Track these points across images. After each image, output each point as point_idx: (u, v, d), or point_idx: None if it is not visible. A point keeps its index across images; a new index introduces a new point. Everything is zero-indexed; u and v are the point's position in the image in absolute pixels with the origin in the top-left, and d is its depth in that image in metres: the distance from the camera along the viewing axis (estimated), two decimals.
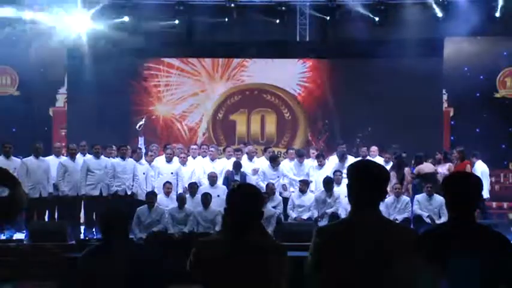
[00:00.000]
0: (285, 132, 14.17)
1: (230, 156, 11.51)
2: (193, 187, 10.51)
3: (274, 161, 11.27)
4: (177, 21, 13.54)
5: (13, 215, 2.75)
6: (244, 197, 2.93)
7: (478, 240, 2.82)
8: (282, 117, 14.19)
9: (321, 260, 2.68)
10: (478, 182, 3.00)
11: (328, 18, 13.59)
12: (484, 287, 2.77)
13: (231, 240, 2.85)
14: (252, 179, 10.90)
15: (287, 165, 11.44)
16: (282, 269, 2.88)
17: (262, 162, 11.53)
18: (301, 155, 11.47)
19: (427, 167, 10.84)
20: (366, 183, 2.70)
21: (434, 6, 13.18)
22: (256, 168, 11.19)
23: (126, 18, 13.17)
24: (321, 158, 11.48)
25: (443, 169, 10.82)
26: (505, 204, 13.33)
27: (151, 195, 10.05)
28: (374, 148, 11.60)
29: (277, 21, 13.57)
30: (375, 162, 2.95)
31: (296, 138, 14.16)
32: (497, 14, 12.88)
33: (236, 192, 3.00)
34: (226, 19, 13.48)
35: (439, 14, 13.16)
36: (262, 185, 10.62)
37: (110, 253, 3.43)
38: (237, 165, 11.02)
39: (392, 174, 10.56)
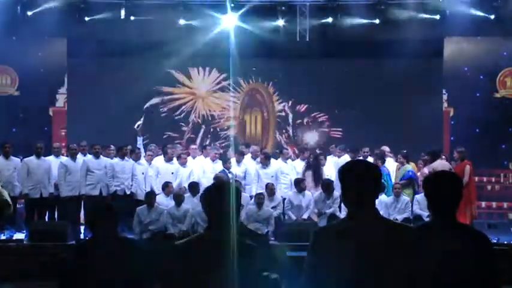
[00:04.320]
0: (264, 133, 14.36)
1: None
2: (194, 187, 10.50)
3: (265, 160, 11.25)
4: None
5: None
6: (218, 195, 2.86)
7: (459, 240, 2.83)
8: (263, 118, 14.36)
9: (319, 261, 2.67)
10: (458, 181, 3.01)
11: (328, 18, 13.59)
12: (465, 286, 2.79)
13: (207, 239, 2.81)
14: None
15: (284, 164, 11.45)
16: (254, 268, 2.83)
17: (249, 163, 11.51)
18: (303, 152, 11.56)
19: (441, 165, 10.38)
20: (360, 182, 2.70)
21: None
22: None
23: None
24: (321, 156, 11.52)
25: (427, 171, 10.72)
26: (505, 204, 13.32)
27: (151, 195, 10.05)
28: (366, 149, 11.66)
29: (278, 21, 13.57)
30: (366, 161, 2.96)
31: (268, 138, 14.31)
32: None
33: (210, 190, 2.93)
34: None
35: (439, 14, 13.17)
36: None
37: (97, 248, 3.41)
38: (228, 162, 11.07)
39: (308, 174, 10.91)
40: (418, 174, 11.14)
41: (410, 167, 11.13)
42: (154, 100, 14.12)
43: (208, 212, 2.89)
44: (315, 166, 11.08)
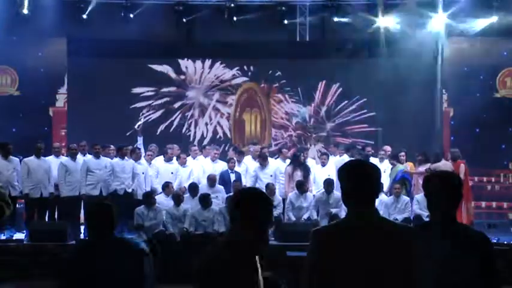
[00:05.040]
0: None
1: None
2: (193, 188, 10.49)
3: (263, 160, 11.24)
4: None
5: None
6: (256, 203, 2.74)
7: (459, 239, 2.83)
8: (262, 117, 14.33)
9: (318, 262, 2.67)
10: (458, 181, 3.01)
11: (328, 18, 13.59)
12: (465, 286, 2.79)
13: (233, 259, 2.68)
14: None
15: (283, 164, 11.43)
16: None
17: (250, 163, 11.51)
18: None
19: (444, 165, 10.47)
20: (360, 182, 2.70)
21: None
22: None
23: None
24: (324, 156, 11.51)
25: (423, 170, 10.77)
26: (505, 204, 13.32)
27: (149, 195, 10.05)
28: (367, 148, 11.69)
29: (277, 21, 13.58)
30: (366, 161, 2.96)
31: (265, 137, 14.25)
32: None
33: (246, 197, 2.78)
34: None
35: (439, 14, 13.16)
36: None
37: (96, 249, 3.40)
38: (232, 163, 11.07)
39: (297, 174, 10.76)
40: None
41: (402, 166, 11.13)
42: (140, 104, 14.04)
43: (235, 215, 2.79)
44: (303, 165, 11.03)
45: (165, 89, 14.13)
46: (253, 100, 14.35)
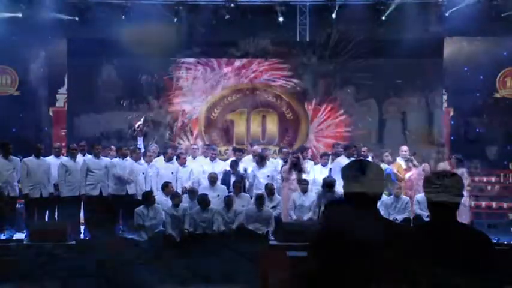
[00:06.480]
0: (287, 132, 14.11)
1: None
2: (193, 192, 10.48)
3: (260, 160, 11.24)
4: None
5: None
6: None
7: (459, 239, 2.83)
8: (284, 117, 14.15)
9: (320, 261, 2.67)
10: (458, 181, 3.01)
11: (328, 18, 13.60)
12: (465, 286, 2.79)
13: None
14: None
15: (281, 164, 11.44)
16: None
17: (250, 163, 11.50)
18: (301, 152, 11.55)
19: (444, 165, 10.64)
20: (361, 182, 2.70)
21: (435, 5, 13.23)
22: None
23: None
24: (325, 156, 11.51)
25: (420, 170, 10.80)
26: (505, 204, 13.31)
27: (149, 195, 10.04)
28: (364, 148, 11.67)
29: (277, 21, 13.58)
30: (369, 162, 2.96)
31: (298, 137, 14.10)
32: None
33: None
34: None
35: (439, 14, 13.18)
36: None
37: (97, 248, 3.42)
38: (234, 164, 11.05)
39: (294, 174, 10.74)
40: (409, 174, 11.18)
41: (386, 165, 11.13)
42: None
43: None
44: (299, 166, 11.03)
45: (161, 96, 14.02)
46: (258, 100, 14.10)
